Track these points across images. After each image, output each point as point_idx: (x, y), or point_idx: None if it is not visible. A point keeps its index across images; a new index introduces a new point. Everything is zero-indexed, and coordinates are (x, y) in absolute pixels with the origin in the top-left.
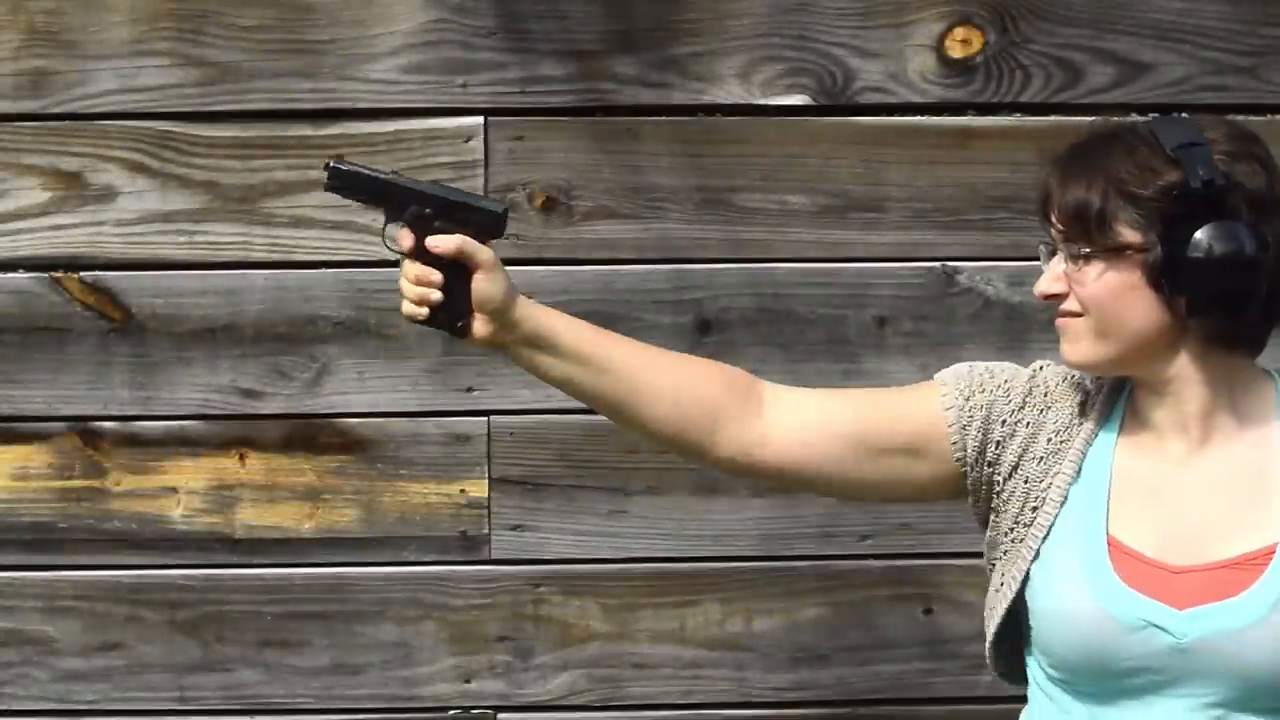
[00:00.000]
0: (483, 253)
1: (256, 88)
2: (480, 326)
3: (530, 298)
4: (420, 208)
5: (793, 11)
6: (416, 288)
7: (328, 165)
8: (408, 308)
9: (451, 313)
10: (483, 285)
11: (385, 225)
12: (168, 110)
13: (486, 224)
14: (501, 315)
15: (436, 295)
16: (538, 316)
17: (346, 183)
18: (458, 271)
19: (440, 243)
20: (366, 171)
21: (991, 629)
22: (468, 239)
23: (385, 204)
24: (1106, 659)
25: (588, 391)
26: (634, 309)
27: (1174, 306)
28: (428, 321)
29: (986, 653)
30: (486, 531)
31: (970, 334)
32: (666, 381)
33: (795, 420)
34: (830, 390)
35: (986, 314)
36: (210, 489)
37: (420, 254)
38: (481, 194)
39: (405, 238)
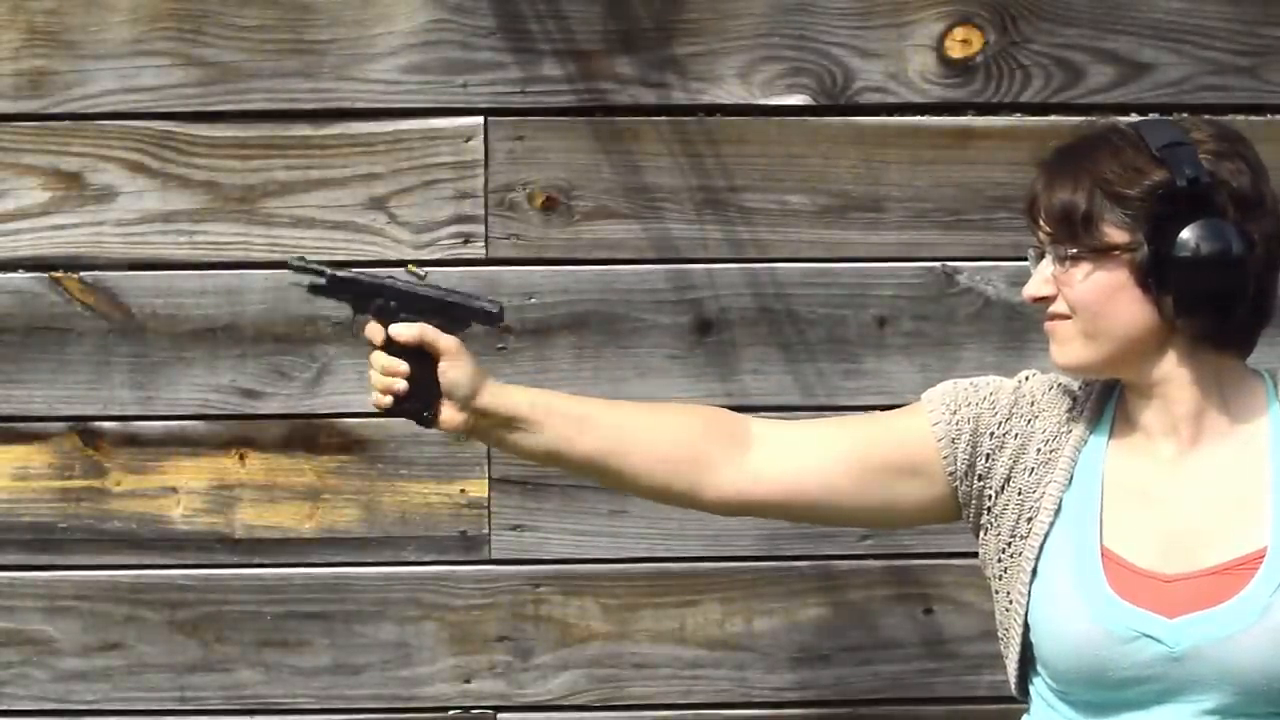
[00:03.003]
0: (444, 340)
1: (256, 88)
2: (450, 414)
3: (530, 297)
4: (384, 300)
5: (793, 11)
6: (383, 378)
7: (290, 265)
8: (374, 397)
9: (417, 402)
10: (448, 373)
11: (354, 317)
12: (168, 110)
13: (471, 319)
14: (469, 402)
15: (401, 385)
16: (512, 401)
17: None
18: (425, 361)
19: (403, 331)
20: (330, 272)
21: (1014, 655)
22: (428, 327)
23: (352, 298)
24: (1101, 671)
25: (567, 460)
26: (634, 309)
27: (1161, 306)
28: (392, 411)
29: (1010, 678)
30: (486, 531)
31: (970, 334)
32: (643, 437)
33: (787, 453)
34: (818, 421)
35: (986, 314)
36: (210, 489)
37: (387, 346)
38: (473, 292)
39: (376, 331)
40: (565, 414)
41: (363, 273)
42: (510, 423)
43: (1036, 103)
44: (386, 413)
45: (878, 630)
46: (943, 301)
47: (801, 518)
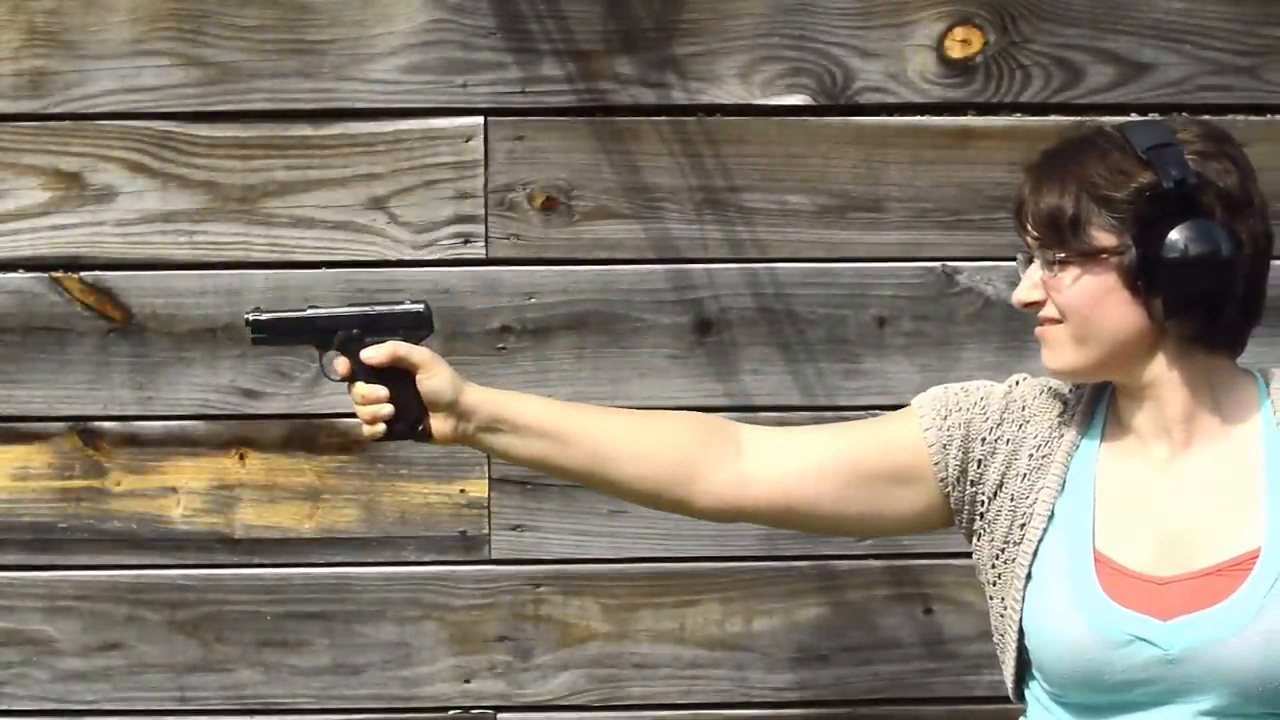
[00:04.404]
0: (417, 352)
1: (256, 88)
2: (439, 424)
3: (530, 297)
4: (346, 330)
5: (793, 11)
6: (367, 408)
7: (248, 322)
8: (365, 429)
9: (407, 421)
10: (428, 383)
11: (320, 359)
12: (168, 110)
13: (413, 325)
14: (454, 408)
15: (386, 409)
16: (491, 400)
17: (270, 331)
18: (402, 379)
19: (374, 354)
20: (285, 314)
21: (1010, 659)
22: (399, 343)
23: (313, 338)
24: (1096, 674)
25: (558, 466)
26: (634, 309)
27: (1151, 308)
28: (387, 436)
29: (1007, 683)
30: (486, 531)
31: (970, 334)
32: (634, 443)
33: (777, 459)
34: (809, 427)
35: (986, 314)
36: (210, 489)
37: (362, 374)
38: (400, 300)
39: (340, 364)
40: (553, 417)
41: (288, 312)
42: (497, 424)
43: (1036, 103)
44: (381, 439)
45: (877, 630)
46: (943, 301)
47: (795, 524)
